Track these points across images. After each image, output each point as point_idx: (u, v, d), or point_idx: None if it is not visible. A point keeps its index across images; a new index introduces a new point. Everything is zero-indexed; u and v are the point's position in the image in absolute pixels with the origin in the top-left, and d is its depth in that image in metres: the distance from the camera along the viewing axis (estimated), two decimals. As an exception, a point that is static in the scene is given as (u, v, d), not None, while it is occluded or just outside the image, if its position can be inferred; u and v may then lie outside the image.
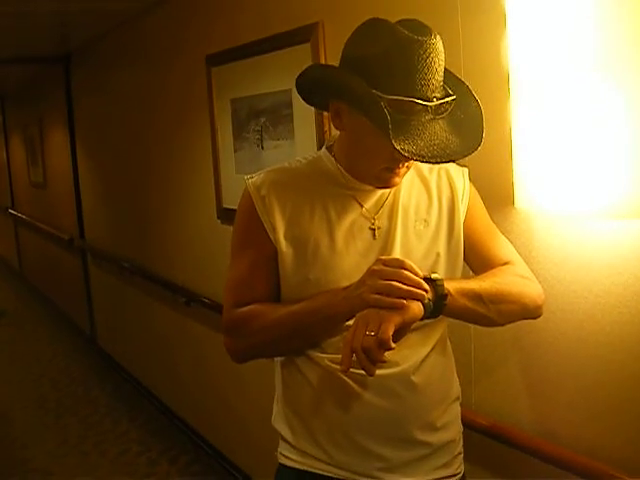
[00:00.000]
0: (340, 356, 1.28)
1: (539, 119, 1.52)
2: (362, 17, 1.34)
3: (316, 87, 1.41)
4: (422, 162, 1.25)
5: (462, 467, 1.54)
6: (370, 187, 1.43)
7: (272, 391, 1.58)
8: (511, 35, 1.60)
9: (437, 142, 1.25)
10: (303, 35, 2.47)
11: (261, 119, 2.85)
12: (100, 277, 5.63)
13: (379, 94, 1.24)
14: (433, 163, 1.30)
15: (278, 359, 1.54)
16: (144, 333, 4.71)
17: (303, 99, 1.49)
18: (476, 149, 1.29)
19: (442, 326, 1.49)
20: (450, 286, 1.30)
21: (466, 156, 1.29)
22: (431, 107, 1.26)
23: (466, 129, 1.30)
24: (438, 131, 1.27)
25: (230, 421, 3.58)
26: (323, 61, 2.36)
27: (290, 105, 2.62)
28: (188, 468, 3.80)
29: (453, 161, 1.32)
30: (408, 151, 1.22)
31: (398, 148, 1.21)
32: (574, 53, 1.40)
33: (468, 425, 1.64)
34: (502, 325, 1.47)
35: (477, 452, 1.78)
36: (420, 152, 1.23)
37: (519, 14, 1.55)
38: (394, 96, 1.24)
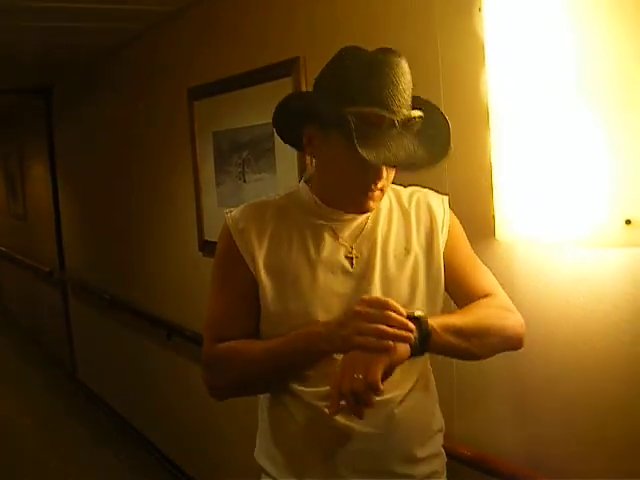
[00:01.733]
0: (324, 389, 1.33)
1: (519, 150, 1.54)
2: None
3: (290, 114, 1.43)
4: (389, 166, 1.30)
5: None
6: (346, 216, 1.44)
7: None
8: (490, 66, 1.62)
9: (403, 153, 1.28)
10: (284, 69, 2.50)
11: (243, 152, 2.87)
12: (80, 309, 5.58)
13: (347, 109, 1.27)
14: (401, 169, 1.33)
15: (264, 395, 1.53)
16: (125, 366, 4.66)
17: (279, 135, 1.51)
18: (441, 160, 1.32)
19: (424, 360, 1.50)
20: (434, 322, 1.30)
21: (432, 165, 1.31)
22: (399, 120, 1.29)
23: (433, 144, 1.33)
24: (406, 144, 1.29)
25: (216, 456, 3.53)
26: (304, 95, 2.39)
27: (272, 138, 2.63)
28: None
29: (418, 168, 1.33)
30: (374, 157, 1.24)
31: (363, 154, 1.23)
32: (552, 84, 1.43)
33: (451, 455, 1.64)
34: (484, 358, 1.47)
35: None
36: (386, 159, 1.27)
37: (498, 46, 1.58)
38: (360, 107, 1.28)
